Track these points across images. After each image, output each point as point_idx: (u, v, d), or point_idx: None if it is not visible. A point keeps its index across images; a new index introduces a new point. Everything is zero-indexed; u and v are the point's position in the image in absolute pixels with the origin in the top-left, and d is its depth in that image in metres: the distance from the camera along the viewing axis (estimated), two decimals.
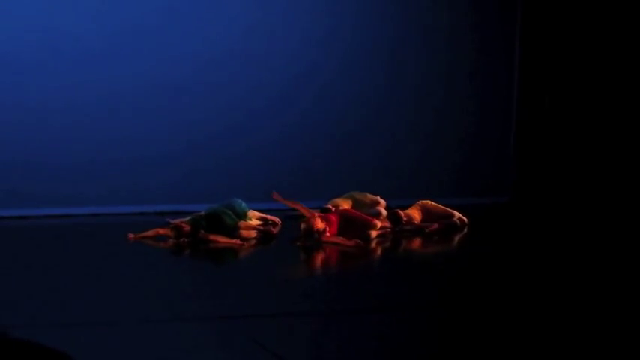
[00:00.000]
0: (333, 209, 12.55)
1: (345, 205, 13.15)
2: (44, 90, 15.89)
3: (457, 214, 12.95)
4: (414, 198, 14.14)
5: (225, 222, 11.89)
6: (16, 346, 3.97)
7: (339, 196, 13.65)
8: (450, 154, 15.57)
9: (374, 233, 12.02)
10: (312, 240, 11.40)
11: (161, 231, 12.23)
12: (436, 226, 12.61)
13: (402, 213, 12.65)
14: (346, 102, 16.89)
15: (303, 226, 11.53)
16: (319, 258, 11.33)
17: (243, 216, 12.12)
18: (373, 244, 11.79)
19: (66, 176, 15.77)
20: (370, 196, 13.38)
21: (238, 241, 11.70)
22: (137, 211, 16.02)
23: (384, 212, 12.92)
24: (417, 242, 12.62)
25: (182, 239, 11.82)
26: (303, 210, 11.78)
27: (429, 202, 13.06)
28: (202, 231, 11.76)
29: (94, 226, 15.10)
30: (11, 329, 5.70)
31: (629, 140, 17.19)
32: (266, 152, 15.96)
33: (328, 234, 11.50)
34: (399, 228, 12.53)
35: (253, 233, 12.18)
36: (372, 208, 13.23)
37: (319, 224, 11.44)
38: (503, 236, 13.22)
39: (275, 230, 12.30)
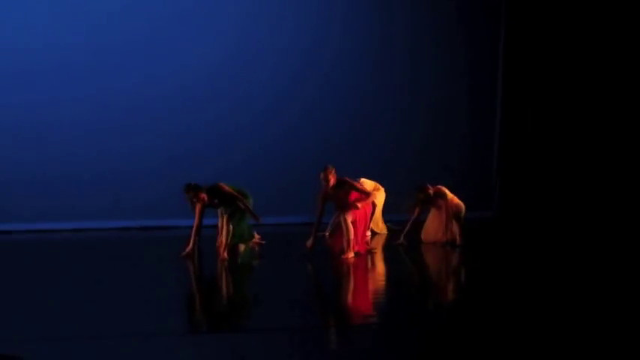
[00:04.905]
0: None
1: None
2: (27, 106, 15.83)
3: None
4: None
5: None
6: None
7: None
8: (436, 172, 15.67)
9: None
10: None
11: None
12: None
13: None
14: (331, 121, 16.91)
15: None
16: (306, 272, 11.29)
17: None
18: (359, 257, 11.77)
19: (49, 191, 15.69)
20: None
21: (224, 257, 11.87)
22: (120, 226, 15.95)
23: None
24: (403, 255, 12.68)
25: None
26: None
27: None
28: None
29: (77, 240, 15.03)
30: None
31: (609, 157, 17.32)
32: (251, 166, 15.93)
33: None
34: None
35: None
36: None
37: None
38: (489, 249, 13.25)
39: None
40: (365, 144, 16.91)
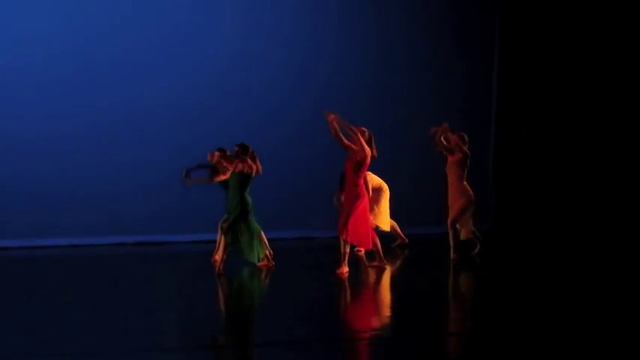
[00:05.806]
0: None
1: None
2: (22, 120, 15.76)
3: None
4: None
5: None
6: None
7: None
8: (432, 185, 15.69)
9: None
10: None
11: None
12: None
13: None
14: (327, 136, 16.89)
15: None
16: (303, 286, 11.27)
17: None
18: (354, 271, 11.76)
19: (45, 207, 15.62)
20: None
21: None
22: (116, 242, 15.90)
23: None
24: (398, 269, 12.68)
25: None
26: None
27: None
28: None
29: (73, 257, 14.98)
30: None
31: (606, 167, 17.35)
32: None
33: None
34: None
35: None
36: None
37: None
38: (486, 261, 13.27)
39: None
40: None
